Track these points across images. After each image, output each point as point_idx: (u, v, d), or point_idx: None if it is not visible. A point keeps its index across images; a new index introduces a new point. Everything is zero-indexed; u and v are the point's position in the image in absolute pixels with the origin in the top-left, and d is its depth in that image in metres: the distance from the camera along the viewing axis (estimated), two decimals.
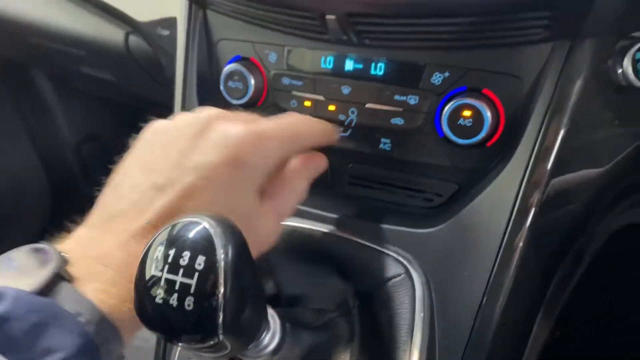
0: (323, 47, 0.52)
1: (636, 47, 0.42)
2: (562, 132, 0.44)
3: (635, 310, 0.95)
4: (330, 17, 0.45)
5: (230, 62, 0.56)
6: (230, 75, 0.55)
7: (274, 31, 0.53)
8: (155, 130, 0.40)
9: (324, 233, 0.51)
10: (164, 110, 0.61)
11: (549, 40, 0.44)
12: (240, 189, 0.37)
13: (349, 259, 0.51)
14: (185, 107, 0.58)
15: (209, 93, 0.58)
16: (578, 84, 0.43)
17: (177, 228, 0.32)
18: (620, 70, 0.43)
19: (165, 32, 0.62)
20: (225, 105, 0.56)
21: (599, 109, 0.45)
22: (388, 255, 0.49)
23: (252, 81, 0.54)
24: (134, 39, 0.68)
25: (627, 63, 0.43)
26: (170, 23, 0.64)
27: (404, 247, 0.50)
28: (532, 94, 0.45)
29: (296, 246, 0.52)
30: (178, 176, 0.37)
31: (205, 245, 0.31)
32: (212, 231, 0.31)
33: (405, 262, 0.49)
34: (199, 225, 0.32)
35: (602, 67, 0.44)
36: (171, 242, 0.32)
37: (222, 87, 0.55)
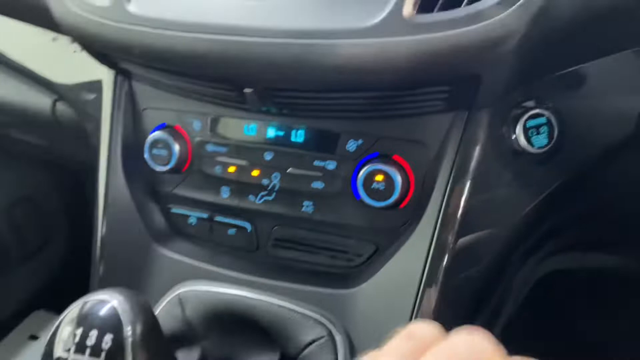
0: (245, 115, 0.54)
1: (527, 115, 0.47)
2: (465, 194, 0.47)
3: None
4: (248, 90, 0.48)
5: (155, 130, 0.57)
6: (155, 143, 0.56)
7: (198, 101, 0.55)
8: None
9: (248, 298, 0.52)
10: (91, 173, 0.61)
11: (449, 110, 0.47)
12: None
13: (274, 323, 0.51)
14: (109, 175, 0.59)
15: (134, 160, 0.58)
16: (477, 150, 0.47)
17: (86, 307, 0.32)
18: (513, 137, 0.47)
19: (91, 97, 0.63)
20: (150, 171, 0.57)
21: (498, 172, 0.48)
22: (311, 317, 0.50)
23: (176, 148, 0.55)
24: (60, 104, 0.68)
25: (519, 131, 0.47)
26: (96, 87, 0.64)
27: (327, 308, 0.51)
28: (437, 159, 0.48)
29: (221, 312, 0.52)
30: None
31: (113, 324, 0.31)
32: (119, 309, 0.32)
33: (327, 324, 0.50)
34: (108, 304, 0.32)
35: (498, 134, 0.47)
36: (79, 321, 0.32)
37: (146, 155, 0.56)
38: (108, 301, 0.32)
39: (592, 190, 0.53)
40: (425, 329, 0.25)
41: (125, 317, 0.31)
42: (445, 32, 0.40)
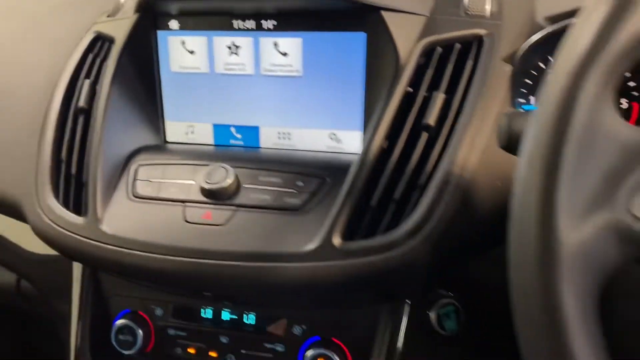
0: (203, 303, 0.62)
1: (439, 302, 0.57)
2: None
3: None
4: (206, 294, 0.56)
5: (120, 316, 0.63)
6: (121, 329, 0.62)
7: (160, 290, 0.63)
8: None
9: None
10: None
11: (378, 302, 0.57)
12: None
13: None
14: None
15: (101, 344, 0.64)
16: (402, 331, 0.57)
17: None
18: (430, 319, 0.57)
19: (57, 280, 0.68)
20: (117, 353, 0.63)
21: (421, 349, 0.58)
22: None
23: (140, 333, 0.62)
24: (24, 283, 0.74)
25: (433, 316, 0.57)
26: (60, 264, 0.70)
27: None
28: (371, 341, 0.57)
29: None
30: None
31: None
32: None
33: None
34: None
35: (419, 317, 0.58)
36: None
37: (113, 340, 0.63)
38: None
39: None
40: None
41: None
42: (368, 257, 0.50)
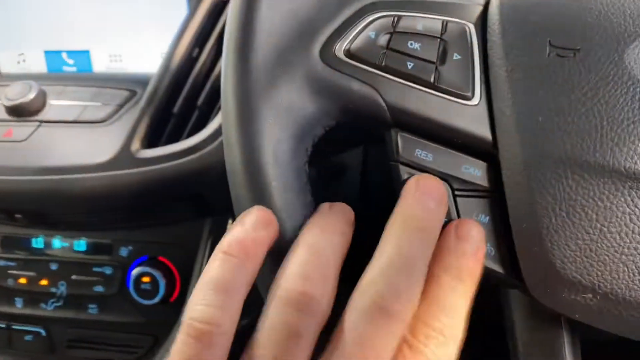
0: (32, 231, 0.60)
1: None
2: None
3: None
4: (18, 216, 0.54)
5: None
6: None
7: None
8: None
9: None
10: None
11: (200, 217, 0.56)
12: None
13: None
14: None
15: None
16: None
17: None
18: None
19: None
20: None
21: None
22: None
23: None
24: None
25: None
26: None
27: None
28: (195, 257, 0.57)
29: None
30: None
31: None
32: None
33: None
34: None
35: None
36: None
37: None
38: None
39: None
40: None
41: None
42: (166, 164, 0.49)
